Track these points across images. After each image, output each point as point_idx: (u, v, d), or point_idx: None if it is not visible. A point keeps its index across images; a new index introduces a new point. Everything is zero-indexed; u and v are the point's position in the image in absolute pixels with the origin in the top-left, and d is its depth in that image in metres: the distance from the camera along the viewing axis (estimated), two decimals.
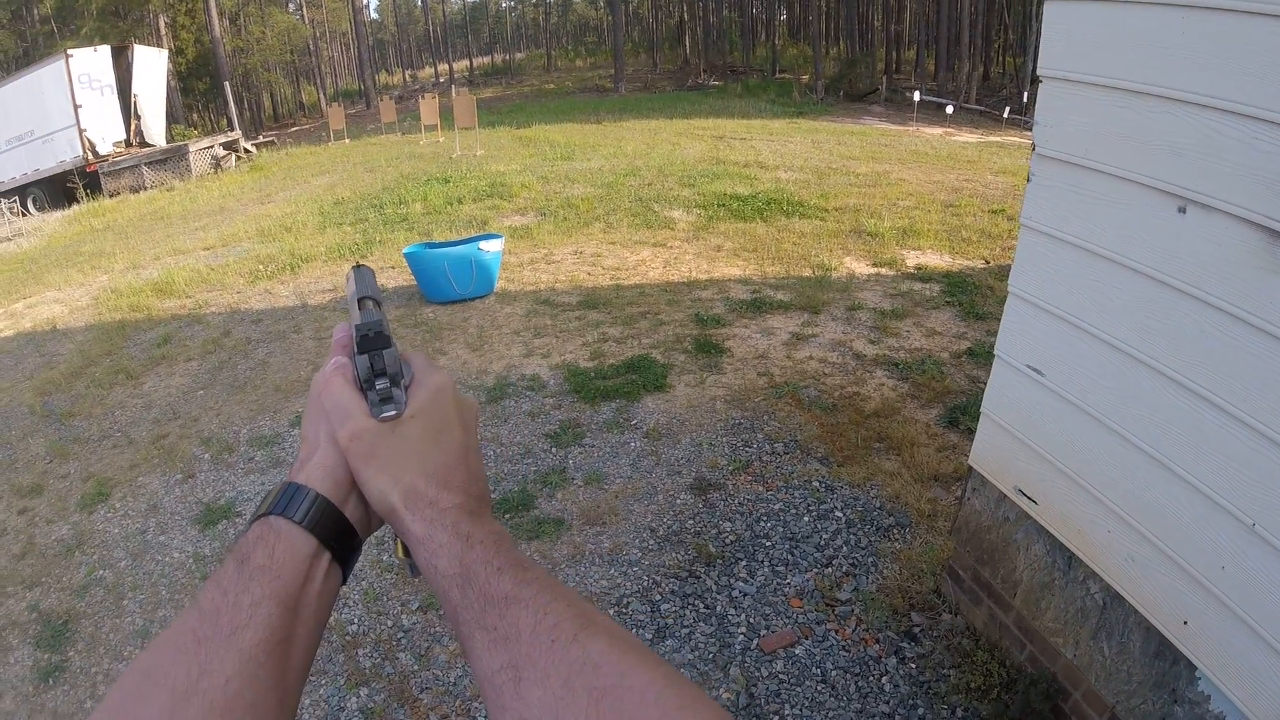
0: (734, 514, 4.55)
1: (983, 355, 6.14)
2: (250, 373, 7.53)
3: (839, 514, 4.47)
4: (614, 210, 11.01)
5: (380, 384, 0.72)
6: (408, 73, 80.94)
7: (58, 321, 10.59)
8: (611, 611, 3.93)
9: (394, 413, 0.71)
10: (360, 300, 0.79)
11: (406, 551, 0.70)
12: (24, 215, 23.14)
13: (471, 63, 73.52)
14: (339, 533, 0.69)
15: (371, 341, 0.73)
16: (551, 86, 48.46)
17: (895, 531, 4.29)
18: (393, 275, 9.46)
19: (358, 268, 0.86)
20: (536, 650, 0.57)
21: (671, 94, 38.71)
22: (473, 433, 0.77)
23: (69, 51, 23.79)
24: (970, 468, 3.35)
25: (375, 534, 0.74)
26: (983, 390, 3.23)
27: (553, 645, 0.57)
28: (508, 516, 4.79)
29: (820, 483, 4.78)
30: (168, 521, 5.58)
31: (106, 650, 4.25)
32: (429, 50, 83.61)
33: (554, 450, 5.43)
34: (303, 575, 0.64)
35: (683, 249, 9.37)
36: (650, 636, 3.75)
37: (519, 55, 75.60)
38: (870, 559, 4.10)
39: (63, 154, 24.31)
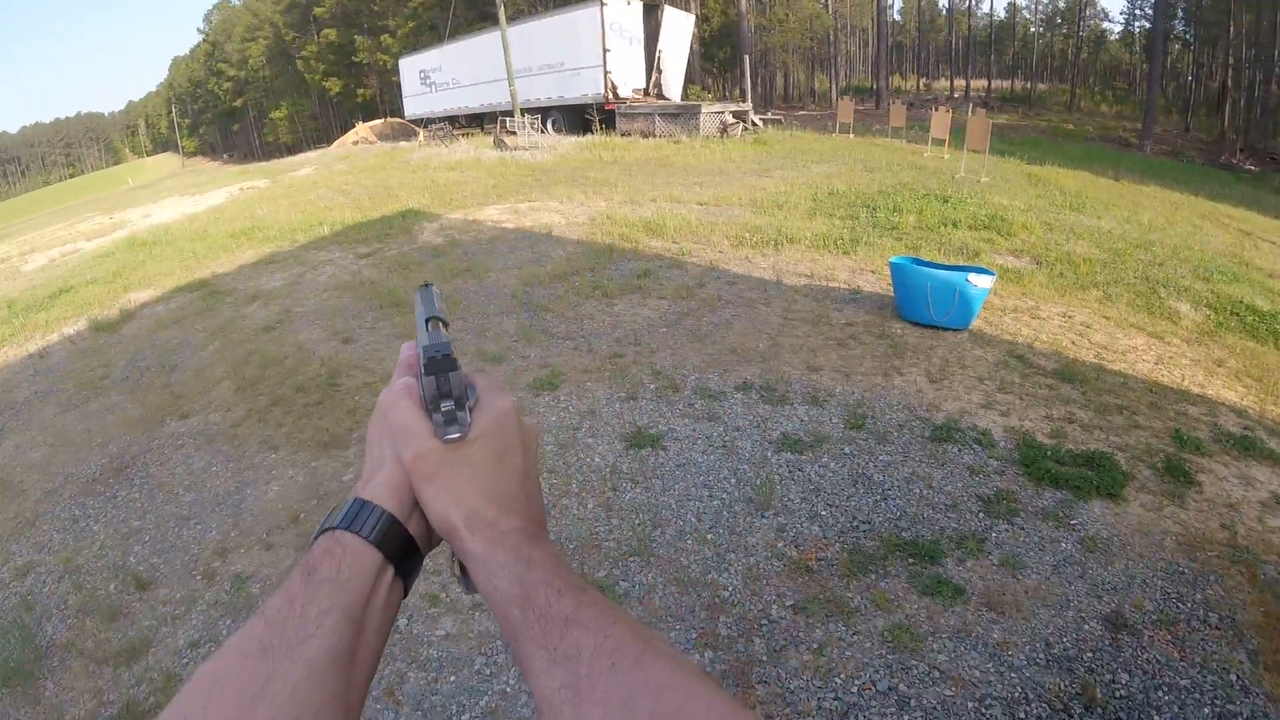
0: (1136, 667, 4.03)
1: None
2: (713, 328, 7.94)
3: None
4: (1115, 281, 10.19)
5: (446, 406, 0.74)
6: (922, 80, 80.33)
7: (553, 229, 11.74)
8: (971, 706, 3.69)
9: (458, 435, 0.73)
10: (429, 320, 0.80)
11: (463, 569, 0.72)
12: (542, 132, 25.99)
13: (990, 83, 71.34)
14: (403, 548, 0.70)
15: (439, 364, 0.74)
16: (1070, 127, 45.79)
17: None
18: (870, 280, 9.47)
19: (425, 287, 0.87)
20: (597, 672, 0.58)
21: (1200, 166, 34.97)
22: (533, 457, 0.79)
23: (604, 0, 26.08)
24: None
25: None
26: None
27: (613, 668, 0.58)
28: (910, 562, 4.64)
29: (1238, 678, 4.08)
30: (600, 428, 6.11)
31: None
32: (947, 62, 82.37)
33: (981, 515, 5.13)
34: (368, 589, 0.66)
35: (1180, 350, 8.46)
36: None
37: (1041, 86, 72.44)
38: None
39: (586, 89, 27.40)
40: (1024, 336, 7.98)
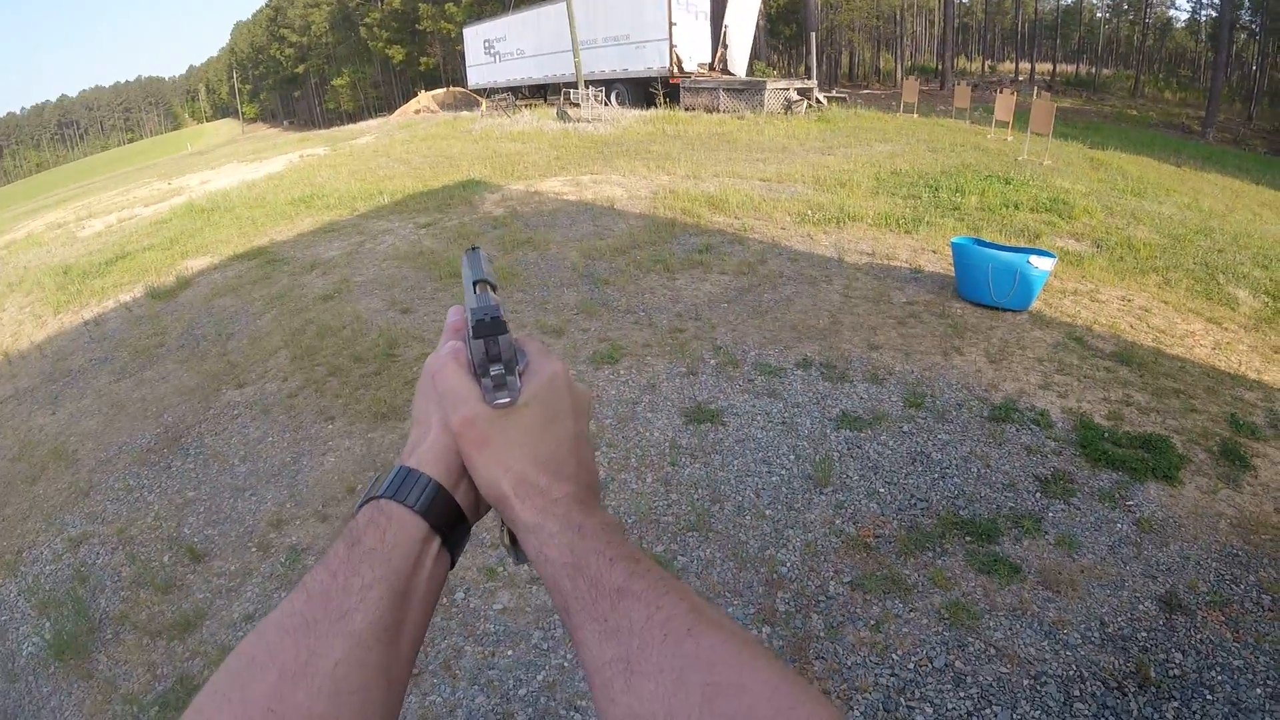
0: (1189, 647, 4.02)
1: None
2: (773, 304, 7.96)
3: None
4: (1175, 267, 10.00)
5: (495, 370, 0.71)
6: (986, 62, 79.09)
7: (616, 202, 11.76)
8: (1026, 683, 3.70)
9: (508, 399, 0.71)
10: (475, 284, 0.78)
11: (513, 539, 0.70)
12: (605, 105, 25.99)
13: (1055, 67, 70.14)
14: (450, 518, 0.68)
15: (487, 327, 0.71)
16: (1133, 113, 44.90)
17: None
18: (931, 259, 9.43)
19: (472, 251, 0.85)
20: (649, 643, 0.56)
21: (1263, 156, 34.03)
22: (584, 422, 0.76)
23: None
24: None
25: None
26: None
27: (665, 639, 0.56)
28: (967, 540, 4.64)
29: None
30: (659, 402, 6.13)
31: None
32: (1012, 45, 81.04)
33: (1038, 495, 5.13)
34: (413, 560, 0.64)
35: (1238, 336, 8.31)
36: None
37: (1105, 71, 71.03)
38: None
39: (651, 62, 27.27)
40: (1083, 319, 7.91)
